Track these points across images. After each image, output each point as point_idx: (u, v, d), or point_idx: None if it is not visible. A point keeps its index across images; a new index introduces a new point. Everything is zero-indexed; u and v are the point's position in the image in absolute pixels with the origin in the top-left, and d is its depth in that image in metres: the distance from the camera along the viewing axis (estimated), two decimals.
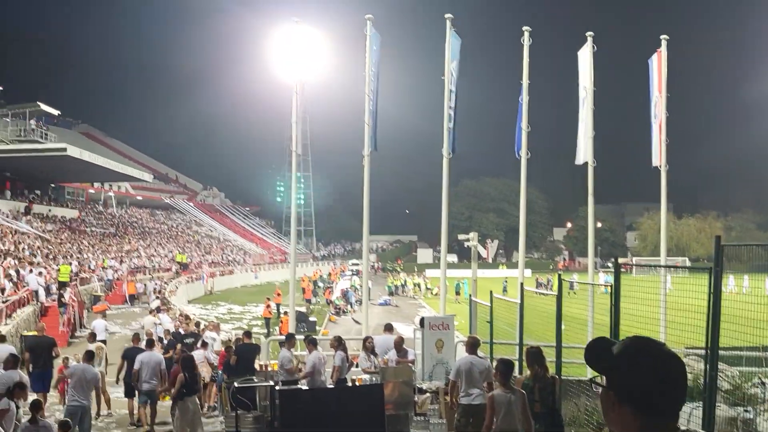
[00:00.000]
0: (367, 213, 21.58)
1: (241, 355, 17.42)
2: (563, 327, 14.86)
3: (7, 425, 12.07)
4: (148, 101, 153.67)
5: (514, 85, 23.72)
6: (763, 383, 11.71)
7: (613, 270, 12.56)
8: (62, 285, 36.69)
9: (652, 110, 24.00)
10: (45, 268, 37.94)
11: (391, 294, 63.83)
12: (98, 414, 17.90)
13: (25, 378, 14.59)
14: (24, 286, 33.07)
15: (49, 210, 65.48)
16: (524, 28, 23.23)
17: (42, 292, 33.70)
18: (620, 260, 12.36)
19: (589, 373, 2.85)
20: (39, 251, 43.95)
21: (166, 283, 52.82)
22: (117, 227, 76.92)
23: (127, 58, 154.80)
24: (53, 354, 18.85)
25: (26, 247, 43.67)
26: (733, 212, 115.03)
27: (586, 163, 23.21)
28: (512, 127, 23.67)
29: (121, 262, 56.19)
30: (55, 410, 17.49)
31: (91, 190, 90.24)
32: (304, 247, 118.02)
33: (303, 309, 42.95)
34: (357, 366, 16.81)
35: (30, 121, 61.82)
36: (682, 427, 2.52)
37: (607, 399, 2.57)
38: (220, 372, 18.33)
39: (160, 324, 27.45)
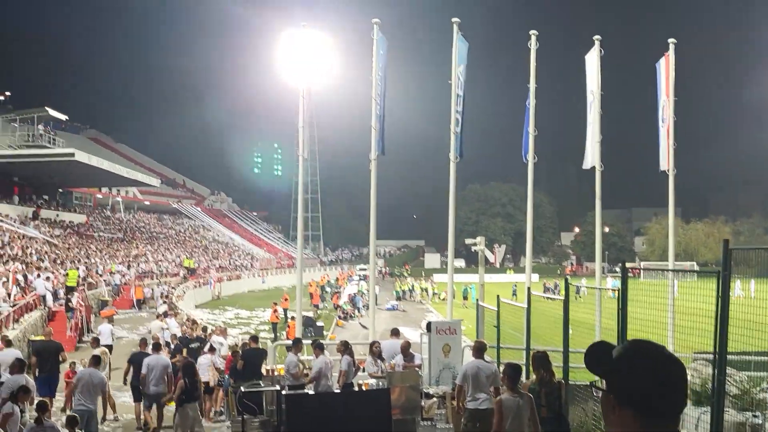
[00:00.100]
0: (374, 217, 21.53)
1: (247, 360, 17.39)
2: (570, 332, 14.80)
3: (11, 429, 12.08)
4: (156, 106, 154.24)
5: (521, 89, 23.74)
6: None
7: (620, 274, 12.52)
8: (70, 290, 36.71)
9: (659, 114, 23.95)
10: (52, 272, 37.97)
11: (398, 299, 63.80)
12: (104, 418, 17.89)
13: (31, 382, 14.61)
14: (31, 291, 33.11)
15: (57, 215, 65.57)
16: (531, 32, 23.23)
17: (49, 297, 33.74)
18: (627, 264, 12.28)
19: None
20: (47, 256, 44.01)
21: (173, 287, 52.85)
22: (125, 232, 77.00)
23: (135, 64, 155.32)
24: (60, 359, 18.86)
25: (34, 252, 43.72)
26: (741, 217, 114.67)
27: (593, 168, 23.18)
28: (519, 131, 23.66)
29: (129, 266, 56.23)
30: (61, 415, 17.49)
31: (99, 195, 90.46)
32: (311, 251, 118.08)
33: (310, 314, 42.92)
34: (364, 371, 16.78)
35: (38, 126, 62.06)
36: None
37: (607, 402, 2.55)
38: (226, 376, 18.30)
39: (167, 328, 27.44)
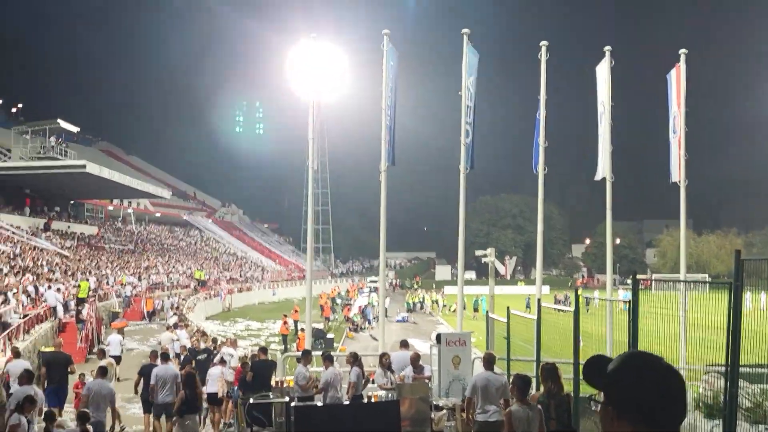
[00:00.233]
0: (384, 229, 21.47)
1: (256, 372, 17.34)
2: (581, 344, 14.71)
3: None
4: (168, 119, 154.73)
5: (532, 101, 23.68)
6: None
7: (631, 286, 12.44)
8: (81, 301, 36.78)
9: (670, 125, 23.85)
10: (63, 284, 38.04)
11: (409, 311, 63.69)
12: (112, 428, 17.87)
13: (39, 393, 14.60)
14: (42, 303, 33.17)
15: (68, 226, 65.77)
16: (542, 43, 23.20)
17: (60, 309, 33.80)
18: (639, 276, 12.19)
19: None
20: (57, 267, 44.11)
21: (184, 299, 52.90)
22: (136, 244, 77.16)
23: (146, 76, 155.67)
24: (69, 370, 18.87)
25: (45, 263, 43.83)
26: (754, 228, 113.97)
27: (604, 179, 23.10)
28: (530, 142, 23.60)
29: (140, 278, 56.32)
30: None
31: (110, 207, 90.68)
32: (322, 263, 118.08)
33: (320, 326, 42.90)
34: (373, 382, 16.71)
35: (50, 138, 62.22)
36: None
37: (605, 414, 2.52)
38: (235, 388, 18.25)
39: (177, 340, 27.46)
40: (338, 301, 66.31)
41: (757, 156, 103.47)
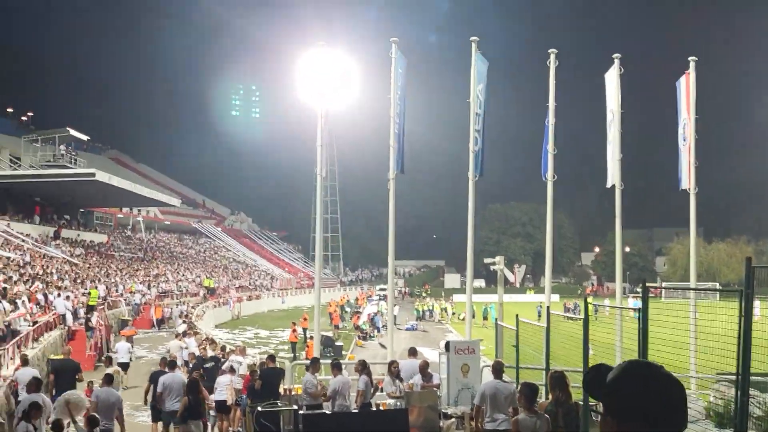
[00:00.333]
0: (393, 237, 21.45)
1: (265, 380, 17.29)
2: (591, 352, 14.64)
3: None
4: (177, 127, 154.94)
5: (541, 108, 23.64)
6: None
7: (641, 294, 12.37)
8: (91, 309, 36.83)
9: (680, 132, 23.79)
10: (72, 292, 38.09)
11: (419, 319, 63.60)
12: None
13: (47, 401, 14.57)
14: (52, 310, 33.20)
15: (78, 234, 65.93)
16: (550, 50, 23.16)
17: (69, 316, 33.82)
18: (648, 285, 12.13)
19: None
20: (67, 275, 44.19)
21: (193, 307, 52.92)
22: (145, 252, 77.32)
23: (156, 85, 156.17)
24: (77, 378, 18.84)
25: (54, 271, 43.90)
26: (764, 236, 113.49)
27: (613, 187, 23.03)
28: (540, 150, 23.55)
29: (149, 286, 56.38)
30: None
31: (120, 215, 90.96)
32: (331, 272, 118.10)
33: (330, 333, 42.86)
34: (382, 390, 16.65)
35: (59, 146, 62.49)
36: None
37: (605, 425, 2.48)
38: (243, 396, 18.22)
39: (186, 348, 27.45)
40: (347, 309, 66.27)
41: None
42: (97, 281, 46.90)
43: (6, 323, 24.84)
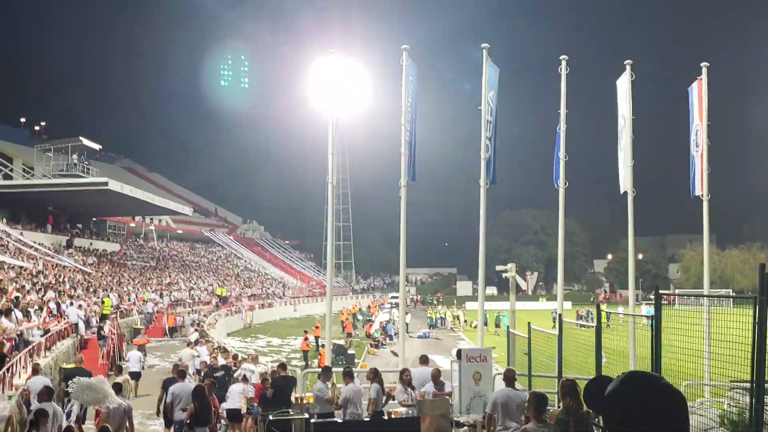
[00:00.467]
0: (404, 244, 21.39)
1: (277, 388, 17.27)
2: (604, 360, 14.56)
3: None
4: (189, 136, 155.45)
5: (553, 115, 23.57)
6: None
7: (654, 301, 12.29)
8: (104, 317, 36.92)
9: (692, 139, 23.67)
10: (84, 300, 38.17)
11: (431, 326, 63.51)
12: None
13: (58, 410, 14.59)
14: (64, 319, 33.26)
15: (91, 243, 66.14)
16: (562, 56, 23.11)
17: (82, 325, 33.88)
18: (661, 292, 12.05)
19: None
20: (80, 284, 44.29)
21: (205, 315, 52.99)
22: (157, 260, 77.47)
23: (168, 94, 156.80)
24: None
25: (67, 280, 44.01)
26: None
27: (626, 194, 22.94)
28: (552, 157, 23.48)
29: (162, 295, 56.45)
30: None
31: (132, 224, 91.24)
32: (343, 279, 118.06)
33: (342, 342, 42.84)
34: (394, 399, 16.60)
35: (72, 155, 62.68)
36: None
37: None
38: (255, 404, 18.20)
39: (198, 356, 27.45)
40: (359, 317, 66.24)
41: None
42: (109, 290, 47.00)
43: (18, 332, 24.87)
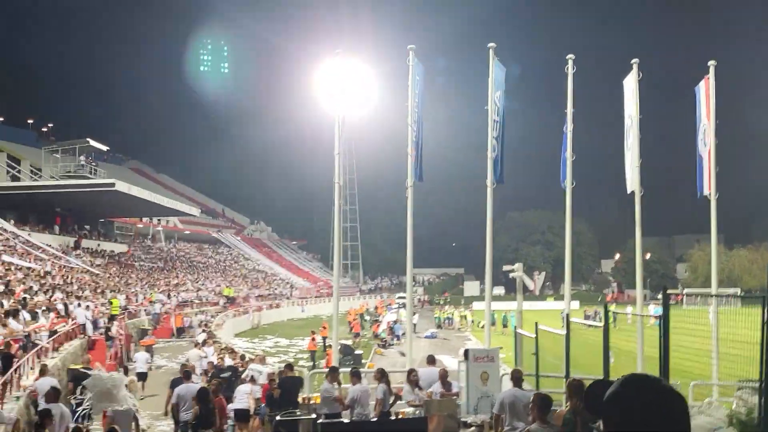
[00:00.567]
0: (411, 245, 21.39)
1: (284, 388, 17.25)
2: (612, 360, 14.52)
3: None
4: (197, 137, 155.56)
5: (560, 114, 23.51)
6: None
7: (662, 301, 12.24)
8: (112, 318, 37.00)
9: (699, 138, 23.58)
10: (92, 301, 38.24)
11: (438, 327, 63.44)
12: None
13: (65, 410, 14.60)
14: (72, 320, 33.30)
15: (98, 244, 66.28)
16: (568, 56, 23.06)
17: (89, 326, 33.92)
18: (669, 291, 12.01)
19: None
20: (87, 285, 44.35)
21: (213, 316, 53.03)
22: (165, 261, 77.61)
23: (175, 95, 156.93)
24: None
25: (74, 281, 44.07)
26: None
27: (633, 193, 22.87)
28: (558, 157, 23.43)
29: (169, 295, 56.53)
30: None
31: (140, 225, 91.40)
32: (350, 280, 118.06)
33: (349, 342, 42.81)
34: (401, 399, 16.58)
35: (80, 157, 62.84)
36: None
37: None
38: (262, 405, 18.20)
39: (205, 357, 27.47)
40: (367, 317, 66.20)
41: None
42: (117, 291, 47.09)
43: (26, 333, 24.93)
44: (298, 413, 15.18)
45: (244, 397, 18.73)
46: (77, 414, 17.96)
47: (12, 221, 52.46)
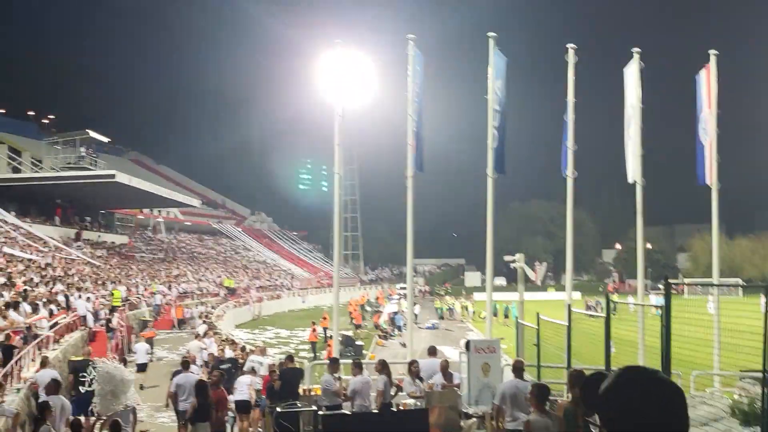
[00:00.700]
0: (411, 235, 21.34)
1: (284, 380, 17.22)
2: (613, 350, 14.48)
3: None
4: (197, 128, 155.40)
5: (561, 104, 23.39)
6: None
7: (663, 291, 12.18)
8: (113, 309, 36.99)
9: (700, 127, 23.48)
10: (93, 293, 38.22)
11: (440, 317, 63.41)
12: None
13: (66, 403, 14.58)
14: (72, 312, 33.27)
15: (99, 236, 66.29)
16: (569, 45, 22.94)
17: (90, 318, 33.88)
18: (671, 281, 11.96)
19: None
20: (88, 277, 44.34)
21: (213, 307, 53.02)
22: (166, 252, 77.62)
23: (176, 86, 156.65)
24: None
25: (75, 272, 44.06)
26: None
27: (635, 183, 22.79)
28: (559, 146, 23.33)
29: (170, 287, 56.54)
30: None
31: (140, 216, 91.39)
32: (351, 270, 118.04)
33: (350, 333, 42.79)
34: (402, 390, 16.54)
35: (80, 148, 62.75)
36: None
37: None
38: (263, 396, 18.18)
39: (206, 348, 27.45)
40: (367, 308, 66.14)
41: None
42: (117, 282, 47.08)
43: (26, 326, 24.91)
44: (299, 404, 15.15)
45: (245, 388, 18.71)
46: (89, 405, 17.95)
47: (13, 213, 52.37)
